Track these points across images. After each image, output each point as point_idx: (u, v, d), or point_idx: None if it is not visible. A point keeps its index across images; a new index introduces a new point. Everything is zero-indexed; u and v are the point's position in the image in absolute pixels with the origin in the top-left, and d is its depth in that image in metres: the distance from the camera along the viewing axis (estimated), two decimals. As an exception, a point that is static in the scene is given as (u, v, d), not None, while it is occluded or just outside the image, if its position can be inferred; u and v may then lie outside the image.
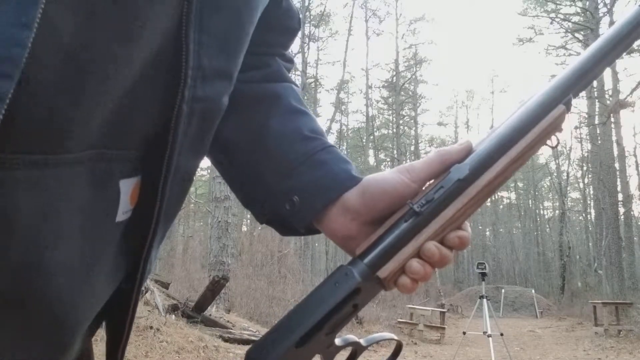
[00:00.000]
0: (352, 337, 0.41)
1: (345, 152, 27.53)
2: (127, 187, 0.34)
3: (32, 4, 0.24)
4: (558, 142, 0.41)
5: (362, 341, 0.42)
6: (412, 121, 27.18)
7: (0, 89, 0.23)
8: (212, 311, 6.31)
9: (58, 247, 0.29)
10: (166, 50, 0.32)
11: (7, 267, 0.28)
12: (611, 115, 13.32)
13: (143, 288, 0.44)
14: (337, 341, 0.39)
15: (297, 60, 19.66)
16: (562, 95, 0.40)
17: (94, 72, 0.28)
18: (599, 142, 14.85)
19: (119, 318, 0.39)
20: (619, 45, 0.42)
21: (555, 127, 0.40)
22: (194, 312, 5.66)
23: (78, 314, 0.34)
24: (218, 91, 0.37)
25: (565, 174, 24.10)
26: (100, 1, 0.27)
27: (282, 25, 0.49)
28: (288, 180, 0.42)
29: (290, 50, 0.53)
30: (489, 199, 0.42)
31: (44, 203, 0.28)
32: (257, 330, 6.46)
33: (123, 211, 0.34)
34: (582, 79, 0.41)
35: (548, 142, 0.41)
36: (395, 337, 0.46)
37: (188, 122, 0.35)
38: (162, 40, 0.31)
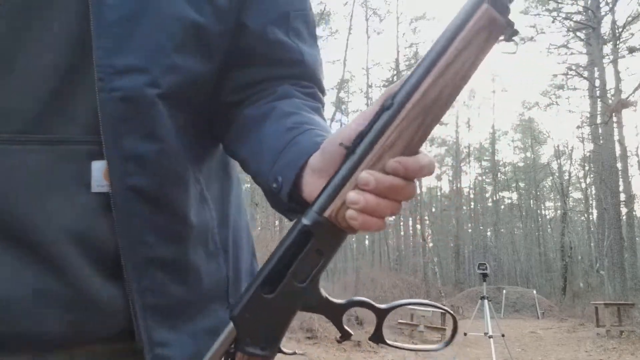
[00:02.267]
0: (362, 298, 0.42)
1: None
2: (100, 166, 0.46)
3: None
4: (517, 46, 0.38)
5: (379, 305, 0.41)
6: (413, 121, 27.04)
7: None
8: (211, 312, 6.26)
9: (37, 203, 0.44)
10: (82, 54, 0.45)
11: None
12: (613, 114, 13.26)
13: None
14: (340, 300, 0.42)
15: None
16: None
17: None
18: (601, 141, 14.79)
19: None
20: None
21: (484, 28, 0.36)
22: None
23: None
24: (134, 83, 0.46)
25: (567, 174, 24.04)
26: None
27: (281, 59, 0.56)
28: (273, 166, 0.48)
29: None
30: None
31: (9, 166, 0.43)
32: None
33: (98, 184, 0.46)
34: None
35: (504, 48, 0.38)
36: (442, 307, 0.46)
37: (112, 109, 0.45)
38: (73, 46, 0.45)
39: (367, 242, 26.53)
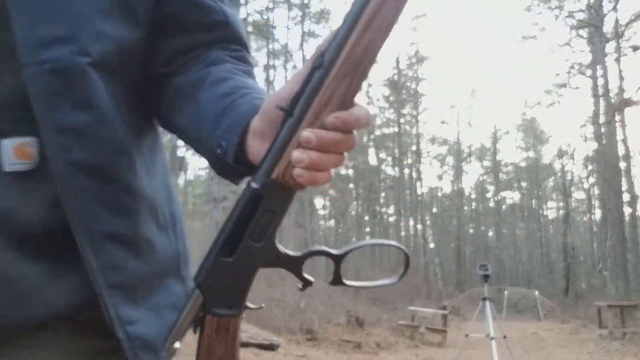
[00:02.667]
0: (320, 247, 0.45)
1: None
2: (10, 143, 0.45)
3: None
4: None
5: (334, 251, 0.45)
6: (414, 120, 27.10)
7: None
8: (209, 313, 6.20)
9: None
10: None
11: None
12: (616, 113, 13.17)
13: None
14: (299, 253, 0.44)
15: (297, 57, 19.61)
16: None
17: None
18: (604, 141, 14.71)
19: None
20: None
21: None
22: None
23: None
24: (62, 53, 0.45)
25: (569, 173, 23.97)
26: None
27: (204, 23, 0.55)
28: (215, 132, 0.49)
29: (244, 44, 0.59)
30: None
31: None
32: (255, 332, 6.36)
33: (10, 163, 0.45)
34: None
35: None
36: (394, 243, 0.50)
37: (42, 82, 0.44)
38: None
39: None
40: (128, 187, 0.50)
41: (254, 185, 0.42)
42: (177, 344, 0.43)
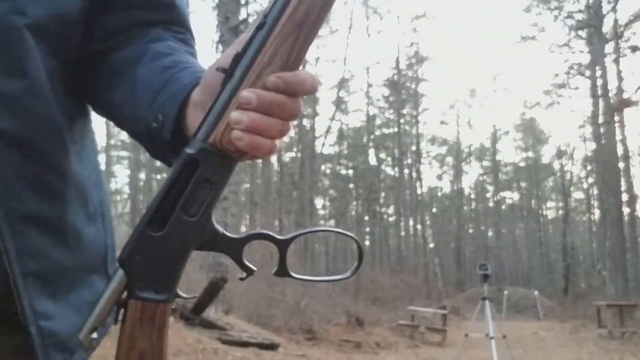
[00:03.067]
0: (262, 231, 0.41)
1: (346, 152, 27.46)
2: None
3: None
4: None
5: (278, 236, 0.40)
6: (414, 120, 27.07)
7: None
8: (211, 313, 6.23)
9: None
10: None
11: None
12: (615, 114, 13.19)
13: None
14: (237, 236, 0.40)
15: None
16: None
17: None
18: (603, 141, 14.73)
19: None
20: None
21: None
22: (192, 314, 5.60)
23: None
24: None
25: (568, 174, 23.98)
26: None
27: (151, 2, 0.53)
28: (152, 106, 0.45)
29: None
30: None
31: None
32: (256, 332, 6.38)
33: None
34: None
35: None
36: (343, 231, 0.45)
37: None
38: None
39: (367, 242, 26.47)
40: (57, 168, 0.46)
41: (189, 151, 0.38)
42: (94, 334, 0.38)
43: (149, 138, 0.47)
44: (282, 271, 0.41)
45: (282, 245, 0.41)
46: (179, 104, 0.43)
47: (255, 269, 0.40)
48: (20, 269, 0.43)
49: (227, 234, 0.40)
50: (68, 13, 0.47)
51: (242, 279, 0.41)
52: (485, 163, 32.33)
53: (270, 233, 0.40)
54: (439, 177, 31.49)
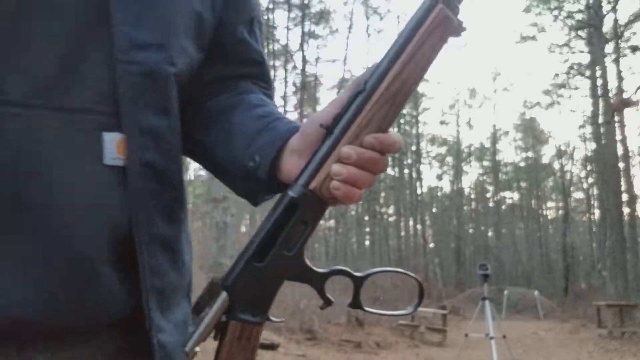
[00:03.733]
0: (341, 267, 0.46)
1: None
2: (112, 137, 0.45)
3: None
4: (465, 43, 0.45)
5: (356, 273, 0.46)
6: (413, 120, 27.09)
7: None
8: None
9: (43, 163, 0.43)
10: (99, 23, 0.45)
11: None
12: (615, 114, 13.19)
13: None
14: (322, 269, 0.45)
15: (297, 58, 19.60)
16: None
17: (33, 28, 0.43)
18: (603, 141, 14.72)
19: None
20: None
21: (441, 26, 0.44)
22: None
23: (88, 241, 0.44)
24: (152, 58, 0.48)
25: (568, 174, 23.98)
26: None
27: (241, 57, 0.60)
28: (249, 148, 0.52)
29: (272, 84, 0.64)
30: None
31: (25, 132, 0.42)
32: (255, 333, 6.38)
33: (111, 157, 0.45)
34: None
35: (450, 38, 0.44)
36: (408, 273, 0.51)
37: (131, 82, 0.46)
38: (91, 13, 0.45)
39: (367, 242, 26.49)
40: (179, 196, 0.52)
41: (292, 194, 0.44)
42: (197, 348, 0.43)
43: (241, 176, 0.53)
44: (356, 304, 0.46)
45: (358, 281, 0.46)
46: (277, 148, 0.49)
47: (333, 300, 0.45)
48: (151, 286, 0.48)
49: (314, 268, 0.45)
50: (195, 65, 0.54)
51: (322, 308, 0.46)
52: (485, 163, 32.33)
53: (349, 270, 0.46)
54: (439, 177, 31.51)
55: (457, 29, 0.44)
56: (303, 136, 0.48)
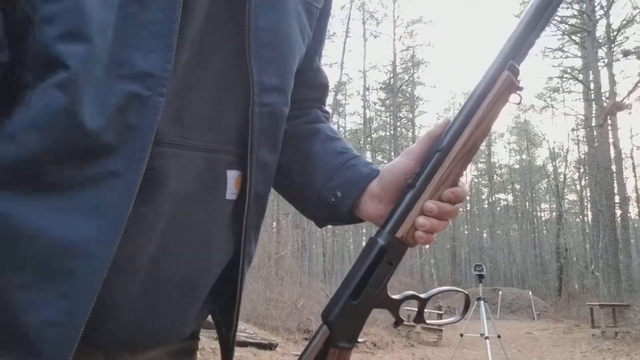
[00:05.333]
0: (411, 292, 0.55)
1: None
2: (232, 175, 0.50)
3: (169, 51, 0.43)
4: (521, 99, 0.52)
5: (421, 295, 0.55)
6: (410, 123, 27.17)
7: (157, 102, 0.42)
8: (209, 313, 6.26)
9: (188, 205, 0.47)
10: (237, 72, 0.50)
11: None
12: (608, 117, 13.35)
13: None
14: (397, 296, 0.53)
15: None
16: (503, 64, 0.51)
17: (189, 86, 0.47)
18: (596, 144, 14.88)
19: (229, 298, 0.54)
20: (545, 13, 0.51)
21: (507, 90, 0.51)
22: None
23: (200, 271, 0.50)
24: (276, 100, 0.52)
25: (562, 176, 24.16)
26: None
27: (315, 82, 0.66)
28: (330, 182, 0.58)
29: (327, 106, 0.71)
30: (472, 161, 0.54)
31: (179, 171, 0.46)
32: (254, 332, 6.43)
33: (230, 192, 0.50)
34: (519, 46, 0.52)
35: (511, 100, 0.51)
36: (459, 289, 0.60)
37: (260, 121, 0.50)
38: (232, 64, 0.50)
39: (364, 243, 26.43)
40: (263, 218, 0.56)
41: (382, 242, 0.51)
42: None
43: (316, 204, 0.59)
44: (420, 319, 0.56)
45: (423, 301, 0.55)
46: (360, 190, 0.56)
47: (404, 320, 0.54)
48: (238, 301, 0.54)
49: (392, 297, 0.53)
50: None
51: (394, 326, 0.55)
52: (480, 165, 32.51)
53: (416, 293, 0.54)
54: (435, 179, 31.42)
55: (517, 89, 0.51)
56: (383, 184, 0.55)
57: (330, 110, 0.72)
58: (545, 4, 0.51)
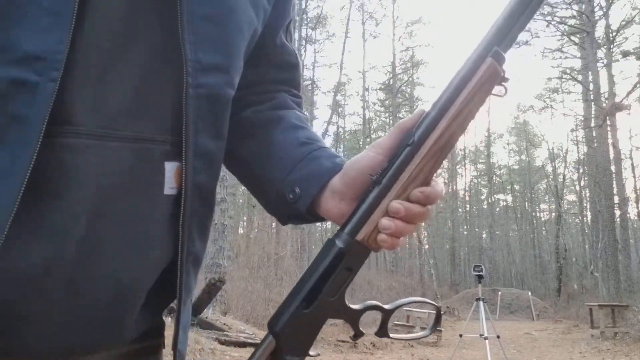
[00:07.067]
0: (373, 302, 0.48)
1: (342, 154, 27.48)
2: (171, 167, 0.44)
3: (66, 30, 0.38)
4: (506, 91, 0.45)
5: (385, 306, 0.48)
6: (409, 123, 27.10)
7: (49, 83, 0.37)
8: (209, 314, 6.28)
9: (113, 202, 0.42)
10: (170, 50, 0.43)
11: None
12: (607, 118, 13.37)
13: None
14: (357, 306, 0.47)
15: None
16: (487, 50, 0.44)
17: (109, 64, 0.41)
18: (595, 144, 14.90)
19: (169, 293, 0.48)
20: None
21: (489, 80, 0.44)
22: (191, 315, 5.63)
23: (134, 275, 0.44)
24: (217, 81, 0.46)
25: (561, 176, 24.18)
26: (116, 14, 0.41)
27: (280, 61, 0.59)
28: (290, 176, 0.52)
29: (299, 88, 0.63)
30: (447, 157, 0.47)
31: (101, 165, 0.40)
32: (253, 333, 6.43)
33: (169, 186, 0.44)
34: (506, 30, 0.44)
35: (494, 92, 0.44)
36: (428, 301, 0.53)
37: (197, 105, 0.44)
38: (164, 42, 0.43)
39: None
40: (212, 214, 0.51)
41: (340, 244, 0.45)
42: None
43: (276, 200, 0.53)
44: (383, 333, 0.49)
45: (387, 313, 0.48)
46: (320, 186, 0.49)
47: (365, 332, 0.48)
48: (183, 302, 0.47)
49: (351, 306, 0.47)
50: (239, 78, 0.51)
51: (352, 339, 0.49)
52: (480, 166, 32.53)
53: (379, 304, 0.48)
54: (434, 180, 31.49)
55: (502, 80, 0.44)
56: (346, 179, 0.48)
57: (302, 96, 0.64)
58: None
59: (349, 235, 0.45)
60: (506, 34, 0.44)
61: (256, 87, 0.58)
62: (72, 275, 0.40)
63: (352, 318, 0.47)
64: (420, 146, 0.44)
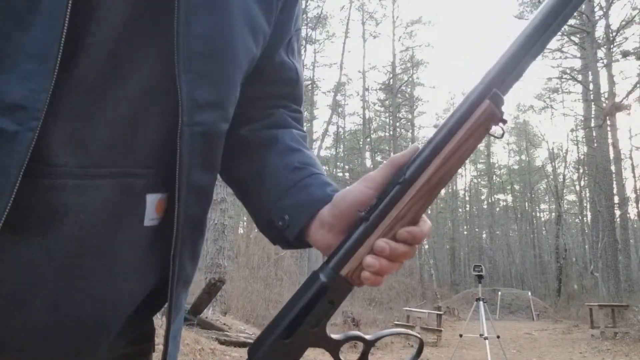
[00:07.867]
0: (355, 332, 0.47)
1: (342, 155, 27.52)
2: (153, 199, 0.45)
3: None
4: (503, 132, 0.44)
5: (367, 336, 0.47)
6: (409, 123, 27.23)
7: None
8: (209, 314, 6.28)
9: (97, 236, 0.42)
10: (162, 87, 0.43)
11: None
12: (607, 118, 13.38)
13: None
14: (338, 336, 0.46)
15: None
16: (485, 91, 0.43)
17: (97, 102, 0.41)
18: (595, 144, 14.91)
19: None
20: (539, 39, 0.43)
21: (486, 121, 0.43)
22: (190, 315, 5.63)
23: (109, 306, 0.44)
24: (213, 118, 0.46)
25: (561, 176, 24.18)
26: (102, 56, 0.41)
27: (278, 77, 0.58)
28: (280, 202, 0.52)
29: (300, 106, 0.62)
30: (441, 192, 0.46)
31: (83, 203, 0.41)
32: (253, 333, 6.43)
33: (150, 218, 0.45)
34: (507, 72, 0.43)
35: (492, 132, 0.44)
36: (411, 332, 0.51)
37: (192, 143, 0.44)
38: (156, 79, 0.43)
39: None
40: (203, 238, 0.51)
41: (323, 279, 0.45)
42: None
43: (266, 224, 0.53)
44: None
45: (369, 343, 0.48)
46: (309, 217, 0.49)
47: None
48: (172, 321, 0.48)
49: (332, 336, 0.46)
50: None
51: None
52: (480, 166, 32.54)
53: (361, 334, 0.47)
54: (434, 180, 31.48)
55: (499, 121, 0.43)
56: (335, 212, 0.48)
57: (304, 112, 0.63)
58: (545, 24, 0.43)
59: (333, 270, 0.45)
60: (508, 75, 0.43)
61: (254, 103, 0.57)
62: (47, 305, 0.41)
63: (333, 348, 0.46)
64: (411, 185, 0.44)
